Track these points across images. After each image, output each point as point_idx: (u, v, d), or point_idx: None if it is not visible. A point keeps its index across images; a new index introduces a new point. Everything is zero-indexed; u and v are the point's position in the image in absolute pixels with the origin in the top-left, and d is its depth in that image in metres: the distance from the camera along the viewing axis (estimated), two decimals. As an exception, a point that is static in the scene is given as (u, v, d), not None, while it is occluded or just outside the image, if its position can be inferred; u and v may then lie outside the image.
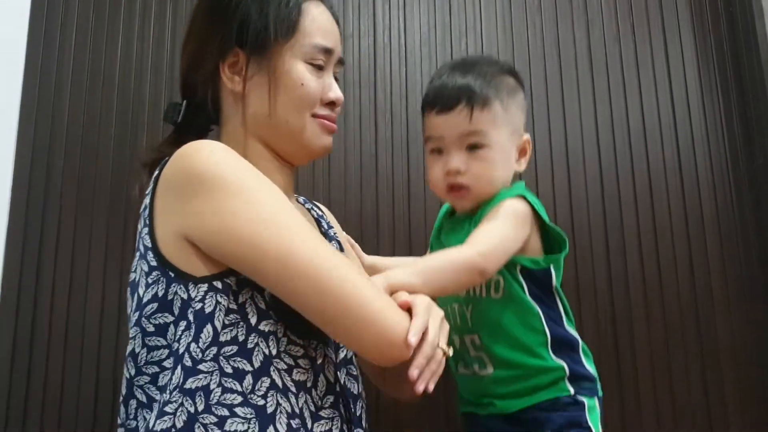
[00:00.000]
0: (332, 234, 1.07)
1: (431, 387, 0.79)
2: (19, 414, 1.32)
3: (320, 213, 1.12)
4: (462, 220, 1.06)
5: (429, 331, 0.80)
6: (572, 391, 0.96)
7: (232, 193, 0.79)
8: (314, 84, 0.94)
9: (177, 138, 0.97)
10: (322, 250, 0.79)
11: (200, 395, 0.77)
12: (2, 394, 1.33)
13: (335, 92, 0.97)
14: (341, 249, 1.06)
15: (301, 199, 1.12)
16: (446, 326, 0.85)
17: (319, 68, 0.95)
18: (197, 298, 0.79)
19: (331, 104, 0.97)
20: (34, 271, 1.38)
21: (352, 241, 1.17)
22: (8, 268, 1.37)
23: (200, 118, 0.99)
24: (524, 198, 0.99)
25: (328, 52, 0.96)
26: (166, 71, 1.51)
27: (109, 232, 1.41)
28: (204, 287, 0.80)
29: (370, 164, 1.45)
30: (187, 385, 0.77)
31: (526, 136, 1.06)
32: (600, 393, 1.01)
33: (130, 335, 0.84)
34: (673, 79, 1.52)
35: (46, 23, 1.50)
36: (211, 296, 0.80)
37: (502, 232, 0.95)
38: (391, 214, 1.43)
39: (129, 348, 0.84)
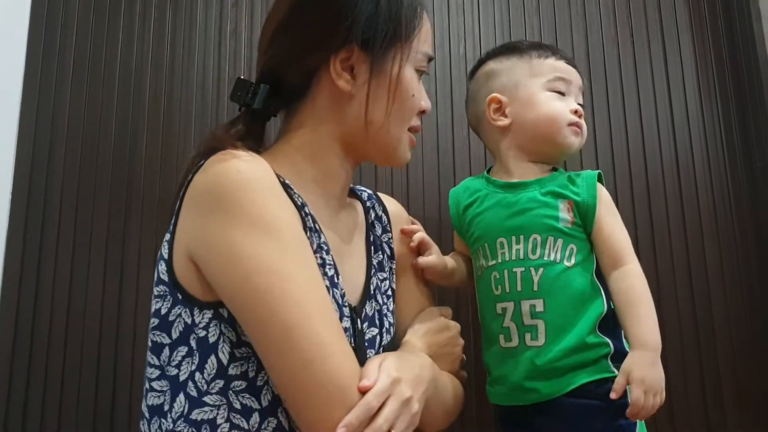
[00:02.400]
0: (385, 240, 1.03)
1: None
2: (18, 413, 1.33)
3: (380, 213, 1.06)
4: (527, 185, 1.09)
5: (379, 416, 0.72)
6: (616, 371, 0.98)
7: (243, 223, 0.74)
8: (419, 94, 0.93)
9: (250, 122, 0.92)
10: (313, 315, 0.73)
11: (206, 428, 0.74)
12: (2, 393, 1.33)
13: (426, 101, 0.96)
14: (391, 257, 1.03)
15: (365, 194, 1.07)
16: (412, 408, 0.75)
17: (420, 75, 0.94)
18: (201, 325, 0.77)
19: (422, 113, 0.96)
20: (34, 270, 1.39)
21: (428, 239, 1.09)
22: (9, 267, 1.38)
23: (273, 103, 0.93)
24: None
25: (431, 60, 0.95)
26: (167, 71, 1.51)
27: (110, 232, 1.42)
28: (209, 314, 0.77)
29: (369, 167, 1.45)
30: (193, 416, 0.75)
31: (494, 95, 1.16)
32: None
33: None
34: (671, 83, 1.52)
35: (47, 23, 1.51)
36: (215, 325, 0.77)
37: (624, 231, 1.07)
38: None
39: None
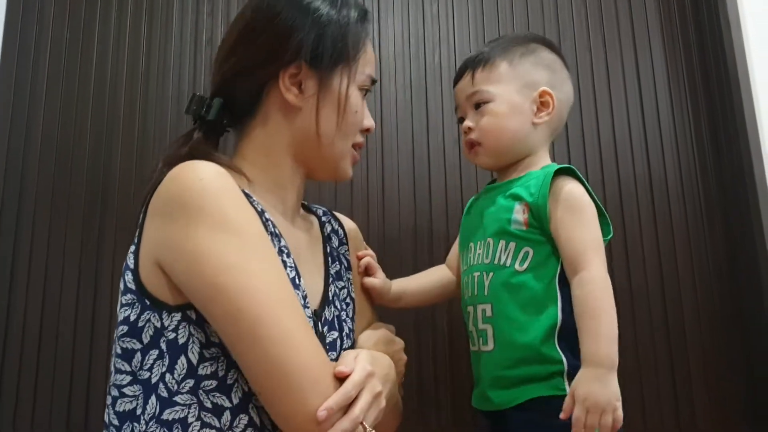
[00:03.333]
0: (342, 252, 1.09)
1: None
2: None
3: (336, 227, 1.11)
4: (500, 187, 1.08)
5: (355, 405, 0.75)
6: (568, 390, 0.92)
7: (208, 227, 0.77)
8: (362, 111, 0.99)
9: (204, 135, 0.96)
10: (281, 308, 0.77)
11: (177, 427, 0.76)
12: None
13: (369, 120, 1.01)
14: (348, 268, 1.08)
15: (320, 210, 1.12)
16: (381, 403, 0.80)
17: (364, 95, 0.99)
18: (170, 327, 0.79)
19: (365, 131, 1.01)
20: (6, 283, 1.39)
21: (375, 264, 1.14)
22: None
23: (226, 119, 0.99)
24: (579, 180, 1.02)
25: (373, 82, 1.01)
26: (141, 80, 1.51)
27: (84, 243, 1.42)
28: (177, 316, 0.79)
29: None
30: (164, 416, 0.77)
31: (543, 88, 1.08)
32: None
33: (112, 351, 0.84)
34: (643, 91, 1.54)
35: (21, 33, 1.50)
36: (185, 326, 0.79)
37: (597, 237, 0.98)
38: (366, 222, 1.44)
39: (111, 362, 0.84)
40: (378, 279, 1.12)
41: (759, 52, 1.46)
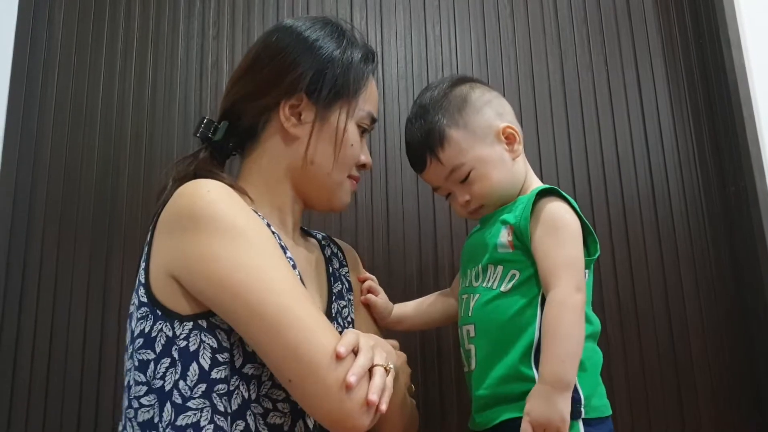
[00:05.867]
0: (343, 273, 1.12)
1: (382, 406, 0.77)
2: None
3: (335, 251, 1.15)
4: (494, 215, 1.08)
5: (362, 349, 0.80)
6: None
7: (219, 233, 0.81)
8: (359, 146, 1.03)
9: (211, 155, 1.03)
10: (297, 304, 0.80)
11: (190, 431, 0.80)
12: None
13: (367, 156, 1.07)
14: (350, 289, 1.12)
15: (319, 235, 1.17)
16: (386, 354, 0.83)
17: (362, 132, 1.04)
18: (182, 336, 0.82)
19: (362, 167, 1.07)
20: (16, 309, 1.40)
21: (377, 287, 1.17)
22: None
23: (232, 141, 1.05)
24: (566, 201, 1.01)
25: (373, 121, 1.06)
26: (148, 108, 1.53)
27: (92, 269, 1.43)
28: (189, 325, 0.82)
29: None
30: (179, 422, 0.80)
31: (502, 125, 1.07)
32: (589, 414, 0.95)
33: (126, 367, 0.87)
34: (645, 110, 1.55)
35: (29, 61, 1.52)
36: (196, 335, 0.82)
37: (572, 256, 0.97)
38: (371, 245, 1.45)
39: (126, 379, 0.87)
40: (380, 299, 1.16)
41: (760, 69, 1.48)
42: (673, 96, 1.56)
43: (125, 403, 0.86)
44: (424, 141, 1.07)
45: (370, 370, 0.79)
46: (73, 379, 1.37)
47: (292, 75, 0.98)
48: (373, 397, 0.76)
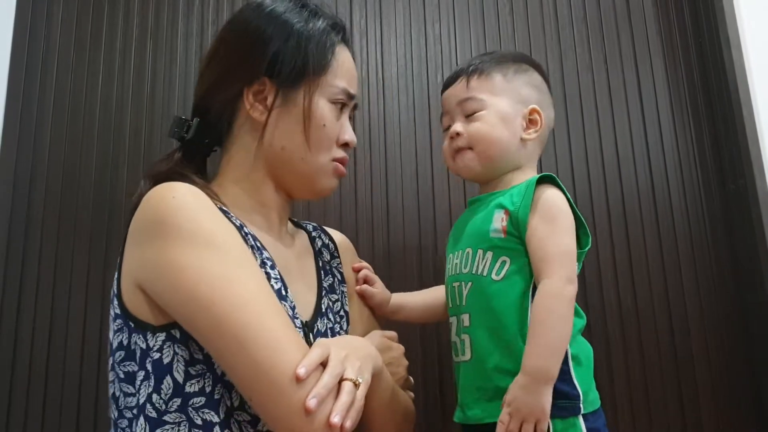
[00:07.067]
0: (334, 265, 1.08)
1: (347, 424, 0.74)
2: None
3: (326, 242, 1.11)
4: (483, 199, 1.07)
5: (329, 364, 0.76)
6: None
7: (183, 242, 0.77)
8: (334, 125, 0.96)
9: (185, 155, 0.98)
10: (262, 320, 0.76)
11: None
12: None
13: (350, 134, 0.99)
14: (342, 281, 1.08)
15: (310, 226, 1.12)
16: (360, 363, 0.79)
17: (339, 109, 0.97)
18: (155, 348, 0.79)
19: (345, 145, 0.99)
20: (14, 308, 1.39)
21: (373, 275, 1.14)
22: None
23: (207, 138, 0.99)
24: (560, 188, 1.00)
25: (350, 96, 0.98)
26: (147, 104, 1.52)
27: (90, 267, 1.42)
28: (162, 336, 0.79)
29: (350, 196, 1.47)
30: None
31: (533, 106, 1.08)
32: (587, 409, 0.93)
33: (109, 378, 0.85)
34: (645, 109, 1.55)
35: (27, 59, 1.51)
36: (169, 346, 0.79)
37: (566, 247, 0.96)
38: (371, 244, 1.44)
39: (110, 390, 0.84)
40: (377, 289, 1.13)
41: (760, 69, 1.48)
42: (673, 96, 1.56)
43: (114, 414, 0.83)
44: (467, 67, 1.10)
45: (340, 383, 0.76)
46: (72, 371, 1.37)
47: (251, 59, 0.93)
48: (335, 419, 0.72)
